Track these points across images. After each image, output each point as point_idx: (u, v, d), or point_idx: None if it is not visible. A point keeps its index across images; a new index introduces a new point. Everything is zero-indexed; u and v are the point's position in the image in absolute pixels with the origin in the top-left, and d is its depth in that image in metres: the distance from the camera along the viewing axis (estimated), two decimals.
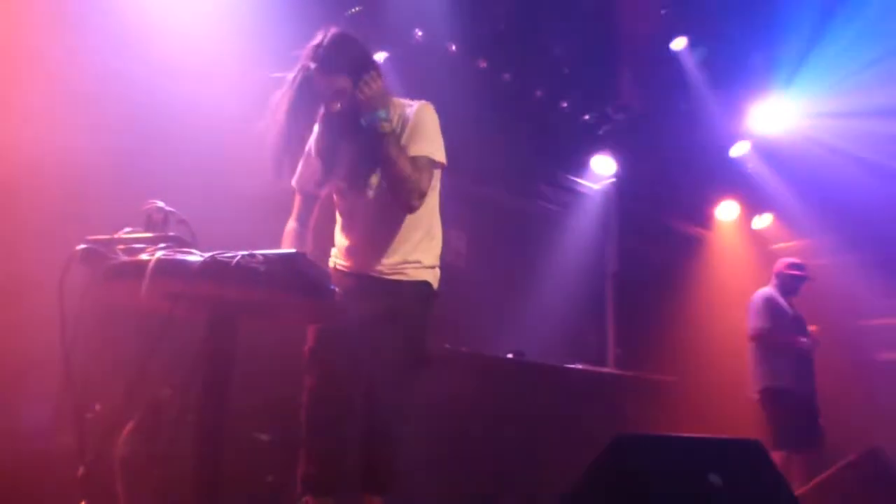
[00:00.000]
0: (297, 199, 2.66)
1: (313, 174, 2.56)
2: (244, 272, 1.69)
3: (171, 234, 1.89)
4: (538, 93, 5.80)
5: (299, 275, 1.76)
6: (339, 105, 2.40)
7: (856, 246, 7.17)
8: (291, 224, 2.62)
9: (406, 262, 2.52)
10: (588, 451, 4.43)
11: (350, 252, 2.59)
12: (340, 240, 2.64)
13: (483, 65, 5.40)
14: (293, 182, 2.63)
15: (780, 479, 2.59)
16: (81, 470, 1.75)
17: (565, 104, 5.95)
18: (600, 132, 6.25)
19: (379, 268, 2.51)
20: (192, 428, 1.86)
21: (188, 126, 3.05)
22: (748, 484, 2.50)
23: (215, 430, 1.87)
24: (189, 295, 1.75)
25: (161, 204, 1.96)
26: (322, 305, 1.90)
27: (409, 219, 2.51)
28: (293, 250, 1.79)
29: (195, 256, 1.74)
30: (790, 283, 5.60)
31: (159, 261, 1.71)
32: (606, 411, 5.03)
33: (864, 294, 7.15)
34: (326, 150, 2.52)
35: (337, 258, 2.64)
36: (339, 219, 2.67)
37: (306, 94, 2.37)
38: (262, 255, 1.74)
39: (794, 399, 5.18)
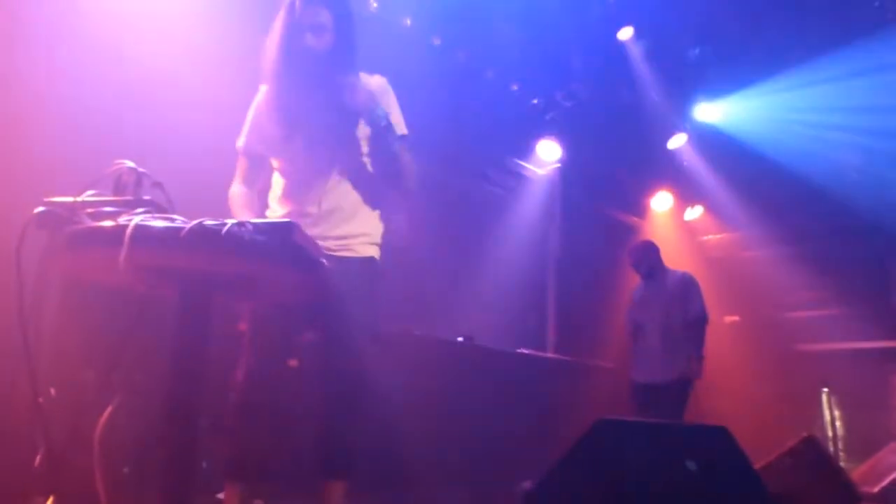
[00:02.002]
0: (243, 162, 2.48)
1: (265, 134, 2.38)
2: (236, 242, 1.53)
3: (146, 197, 1.70)
4: (489, 73, 5.72)
5: (293, 247, 1.61)
6: (314, 40, 2.27)
7: (781, 240, 7.47)
8: (238, 188, 2.44)
9: (354, 235, 2.40)
10: (535, 434, 4.46)
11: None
12: (279, 207, 2.45)
13: (437, 42, 5.27)
14: (240, 142, 2.46)
15: (747, 465, 2.62)
16: (38, 459, 1.56)
17: (515, 87, 5.89)
18: (547, 117, 6.23)
19: (325, 243, 2.33)
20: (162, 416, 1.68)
21: (157, 83, 2.80)
22: (719, 469, 2.52)
23: (189, 416, 1.70)
24: (172, 267, 1.58)
25: (132, 164, 1.76)
26: (313, 281, 1.76)
27: (360, 192, 2.42)
28: (288, 220, 1.64)
29: (178, 224, 1.56)
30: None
31: (139, 226, 1.52)
32: (549, 396, 5.05)
33: (787, 287, 7.46)
34: (291, 104, 2.34)
35: None
36: (281, 182, 2.48)
37: (288, 25, 2.27)
38: (254, 224, 1.59)
39: (630, 386, 5.04)
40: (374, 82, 2.44)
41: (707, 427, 2.69)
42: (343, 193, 2.40)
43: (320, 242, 2.30)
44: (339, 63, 2.30)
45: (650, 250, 5.09)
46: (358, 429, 2.37)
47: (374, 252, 2.46)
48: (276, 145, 2.41)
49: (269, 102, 2.38)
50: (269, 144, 2.42)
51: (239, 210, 2.37)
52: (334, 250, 2.36)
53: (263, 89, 2.44)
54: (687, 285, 4.91)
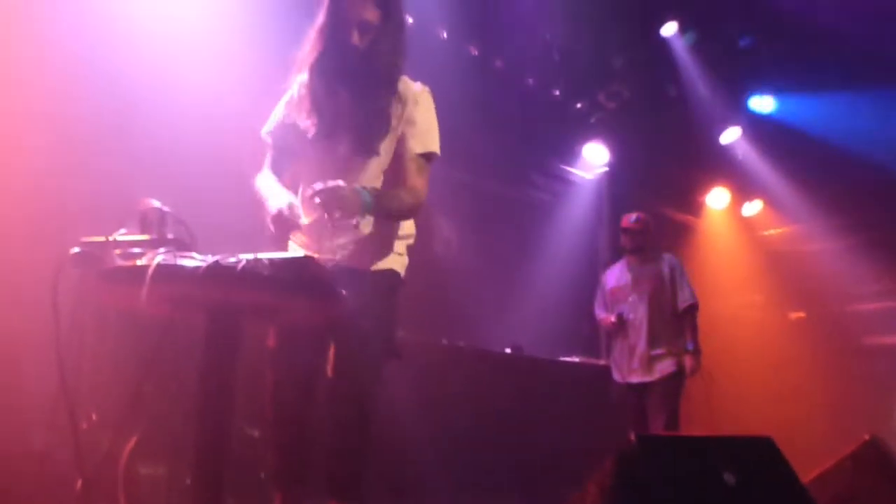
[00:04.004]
0: (270, 153, 2.40)
1: (295, 125, 2.32)
2: (250, 277, 1.60)
3: (170, 235, 1.79)
4: (530, 80, 5.71)
5: (308, 279, 1.67)
6: (359, 38, 2.21)
7: (845, 229, 7.18)
8: (267, 175, 2.34)
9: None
10: (587, 446, 4.42)
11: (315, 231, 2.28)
12: (306, 211, 2.26)
13: (474, 52, 5.30)
14: (265, 131, 2.41)
15: (792, 477, 2.55)
16: (80, 483, 1.66)
17: (557, 92, 5.87)
18: (592, 120, 6.17)
19: (345, 251, 2.25)
20: (193, 435, 1.77)
21: (181, 119, 2.91)
22: (761, 482, 2.46)
23: (220, 436, 1.78)
24: (191, 300, 1.66)
25: (157, 203, 1.85)
26: (331, 309, 1.81)
27: None
28: (302, 253, 1.70)
29: (196, 261, 1.65)
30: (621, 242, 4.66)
31: (159, 266, 1.61)
32: (602, 404, 4.98)
33: (855, 278, 7.17)
34: (327, 101, 2.28)
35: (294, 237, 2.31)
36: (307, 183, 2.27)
37: (333, 18, 2.23)
38: (269, 259, 1.65)
39: (618, 388, 4.51)
40: (414, 89, 2.35)
41: (750, 438, 2.63)
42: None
43: (342, 252, 2.23)
44: (382, 64, 2.24)
45: (654, 223, 4.58)
46: (366, 452, 2.27)
47: (396, 265, 2.36)
48: (304, 141, 2.32)
49: (303, 96, 2.33)
50: (297, 138, 2.33)
51: (268, 195, 2.23)
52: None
53: (300, 80, 2.38)
54: (675, 269, 4.45)
